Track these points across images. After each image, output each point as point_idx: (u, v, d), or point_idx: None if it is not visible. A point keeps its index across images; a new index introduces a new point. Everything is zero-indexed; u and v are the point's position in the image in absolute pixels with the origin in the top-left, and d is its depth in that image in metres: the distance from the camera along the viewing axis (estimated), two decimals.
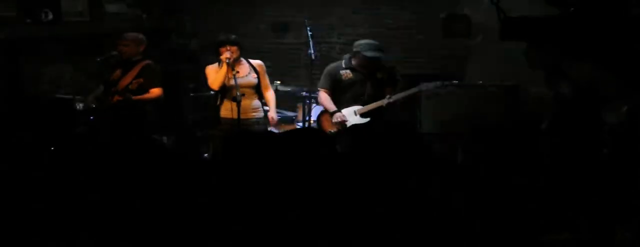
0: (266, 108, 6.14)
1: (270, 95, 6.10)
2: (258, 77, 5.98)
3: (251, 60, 6.05)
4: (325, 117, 6.32)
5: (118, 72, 6.06)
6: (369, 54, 6.05)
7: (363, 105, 6.17)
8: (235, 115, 5.75)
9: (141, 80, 5.83)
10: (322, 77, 6.29)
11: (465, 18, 7.93)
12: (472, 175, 3.58)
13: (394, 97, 6.15)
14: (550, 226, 2.88)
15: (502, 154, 3.71)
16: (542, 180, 3.45)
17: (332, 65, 6.34)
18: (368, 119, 6.12)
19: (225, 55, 5.79)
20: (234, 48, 5.85)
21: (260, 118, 6.02)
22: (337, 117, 6.13)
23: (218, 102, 5.95)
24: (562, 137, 5.86)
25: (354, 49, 6.14)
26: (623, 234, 2.85)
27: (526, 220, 2.96)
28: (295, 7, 8.13)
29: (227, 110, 5.90)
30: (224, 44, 5.85)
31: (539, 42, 7.40)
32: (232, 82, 5.77)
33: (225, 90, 5.90)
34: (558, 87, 6.96)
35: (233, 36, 5.94)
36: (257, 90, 6.00)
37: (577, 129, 5.72)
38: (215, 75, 5.87)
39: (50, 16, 6.49)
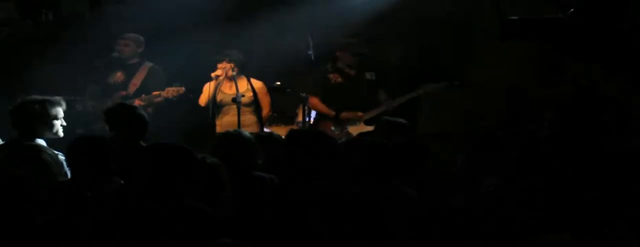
0: None
1: (266, 116, 6.14)
2: (254, 97, 5.97)
3: (253, 80, 6.06)
4: (325, 124, 6.13)
5: (119, 74, 6.07)
6: (360, 50, 5.94)
7: (357, 109, 6.02)
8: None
9: (181, 89, 5.81)
10: (311, 84, 6.18)
11: (465, 18, 7.93)
12: (472, 175, 3.58)
13: (398, 101, 6.01)
14: (551, 226, 2.88)
15: (502, 154, 3.71)
16: (543, 180, 3.45)
17: (319, 69, 6.21)
18: (372, 127, 5.89)
19: (216, 72, 5.83)
20: (229, 66, 5.84)
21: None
22: (348, 117, 5.95)
23: (209, 116, 5.95)
24: (562, 137, 5.85)
25: (338, 50, 6.02)
26: (621, 235, 2.85)
27: (526, 220, 2.96)
28: (295, 7, 8.11)
29: (221, 127, 5.93)
30: (220, 60, 5.86)
31: (539, 42, 7.41)
32: (220, 97, 5.82)
33: (217, 106, 5.93)
34: (558, 87, 6.96)
35: (233, 53, 5.90)
36: (254, 109, 6.00)
37: (577, 129, 5.72)
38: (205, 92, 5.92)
39: (50, 17, 6.50)
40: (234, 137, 3.77)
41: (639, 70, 6.63)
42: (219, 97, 5.94)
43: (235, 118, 5.83)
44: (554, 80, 7.05)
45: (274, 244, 2.89)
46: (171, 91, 5.79)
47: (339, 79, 6.02)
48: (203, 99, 6.01)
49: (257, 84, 6.10)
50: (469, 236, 2.93)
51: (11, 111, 4.04)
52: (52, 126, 4.09)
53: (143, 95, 5.88)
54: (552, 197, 3.14)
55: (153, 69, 6.08)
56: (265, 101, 6.14)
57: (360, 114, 5.98)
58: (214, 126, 5.99)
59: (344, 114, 5.98)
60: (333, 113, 6.01)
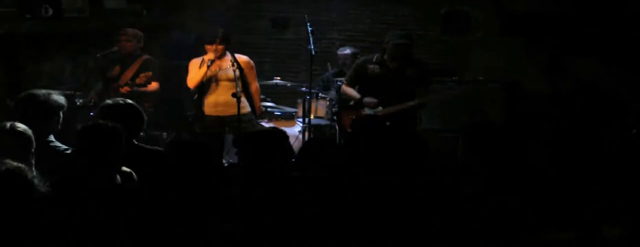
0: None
1: (255, 89, 6.01)
2: (241, 72, 5.88)
3: (238, 55, 5.95)
4: (345, 115, 6.10)
5: (118, 68, 6.09)
6: (396, 40, 5.82)
7: (382, 104, 5.92)
8: (219, 113, 5.79)
9: (149, 73, 5.80)
10: (350, 71, 6.19)
11: (465, 14, 7.94)
12: (472, 172, 3.58)
13: (421, 100, 5.91)
14: (553, 225, 2.89)
15: (502, 151, 3.71)
16: (543, 177, 3.45)
17: (363, 58, 6.14)
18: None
19: (209, 56, 5.74)
20: (221, 47, 5.77)
21: (244, 114, 5.87)
22: (368, 103, 5.92)
23: (195, 97, 5.92)
24: (562, 133, 5.86)
25: (386, 40, 5.92)
26: (612, 231, 2.85)
27: (527, 219, 2.96)
28: (296, 2, 8.12)
29: (210, 107, 5.88)
30: (211, 42, 5.76)
31: (538, 38, 7.42)
32: (208, 74, 5.78)
33: (204, 86, 5.87)
34: (557, 83, 6.97)
35: (220, 33, 5.84)
36: (241, 86, 5.93)
37: (576, 125, 5.73)
38: (195, 71, 5.81)
39: (50, 12, 6.48)
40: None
41: (639, 65, 6.65)
42: (217, 74, 5.86)
43: (223, 97, 5.78)
44: (554, 76, 7.06)
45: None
46: (142, 77, 5.78)
47: (377, 70, 5.96)
48: (193, 82, 5.87)
49: (242, 58, 5.96)
50: (470, 233, 2.93)
51: (18, 107, 4.02)
52: (59, 120, 4.09)
53: (130, 83, 5.88)
54: (552, 194, 3.15)
55: (147, 60, 6.07)
56: (251, 76, 5.98)
57: (378, 105, 5.93)
58: (200, 106, 5.94)
59: (367, 100, 5.93)
60: (358, 96, 5.98)
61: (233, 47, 5.98)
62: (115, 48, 6.09)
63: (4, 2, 6.24)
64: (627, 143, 5.34)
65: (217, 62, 5.80)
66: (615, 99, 6.33)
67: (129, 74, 6.00)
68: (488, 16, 7.80)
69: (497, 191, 3.24)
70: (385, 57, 5.91)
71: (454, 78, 7.16)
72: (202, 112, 5.90)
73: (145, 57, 6.10)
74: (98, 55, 6.14)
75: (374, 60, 5.97)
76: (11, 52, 6.48)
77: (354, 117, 5.96)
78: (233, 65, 5.72)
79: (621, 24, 6.83)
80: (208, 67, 5.71)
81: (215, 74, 5.79)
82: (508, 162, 3.59)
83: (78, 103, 6.12)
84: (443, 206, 3.01)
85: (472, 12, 7.92)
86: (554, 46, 7.32)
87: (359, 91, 6.05)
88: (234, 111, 5.73)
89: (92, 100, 6.07)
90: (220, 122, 5.87)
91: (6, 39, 6.32)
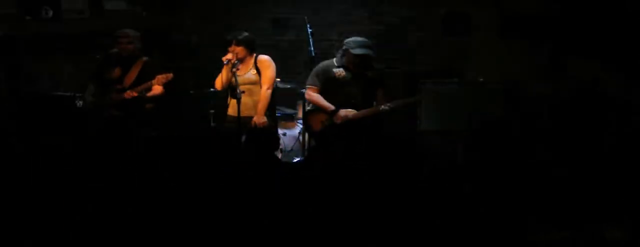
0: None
1: (263, 93, 5.91)
2: (259, 75, 5.89)
3: (260, 57, 5.97)
4: (315, 117, 6.06)
5: (117, 69, 6.06)
6: (356, 51, 5.79)
7: (355, 107, 5.95)
8: (236, 113, 5.77)
9: (169, 75, 5.78)
10: (313, 75, 6.00)
11: (465, 15, 7.93)
12: (472, 173, 3.58)
13: (393, 105, 5.91)
14: (553, 225, 2.89)
15: (502, 151, 3.72)
16: (542, 178, 3.45)
17: (325, 63, 6.04)
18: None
19: (227, 56, 5.75)
20: (240, 49, 5.79)
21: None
22: (339, 117, 5.89)
23: (228, 101, 5.95)
24: (562, 134, 5.86)
25: (344, 47, 5.92)
26: (614, 233, 2.85)
27: (525, 218, 2.96)
28: (296, 3, 8.12)
29: (231, 107, 5.89)
30: (229, 43, 5.80)
31: (539, 39, 7.42)
32: (233, 80, 5.76)
33: (229, 89, 5.89)
34: (558, 84, 6.97)
35: (241, 36, 5.86)
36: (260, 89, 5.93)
37: (577, 126, 5.73)
38: (221, 74, 5.87)
39: (50, 13, 6.49)
40: None
41: (639, 66, 6.65)
42: (239, 79, 5.84)
43: (249, 99, 5.82)
44: (554, 77, 7.06)
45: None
46: (160, 78, 5.76)
47: (343, 75, 5.94)
48: (218, 83, 5.91)
49: (261, 58, 5.96)
50: (470, 233, 2.93)
51: None
52: None
53: (137, 88, 5.87)
54: (552, 194, 3.15)
55: (148, 62, 6.06)
56: (265, 76, 5.93)
57: (353, 111, 5.92)
58: (226, 106, 5.96)
59: (343, 111, 5.90)
60: (333, 108, 5.93)
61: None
62: (115, 50, 6.08)
63: (4, 3, 6.25)
64: (627, 143, 5.35)
65: (241, 66, 5.83)
66: (615, 99, 6.32)
67: (131, 75, 5.98)
68: (488, 17, 7.80)
69: (497, 191, 3.24)
70: (345, 61, 5.89)
71: (454, 79, 7.15)
72: (226, 112, 5.95)
73: (145, 58, 6.08)
74: (97, 56, 6.14)
75: (336, 64, 5.95)
76: (11, 53, 6.50)
77: (324, 120, 5.94)
78: (233, 66, 5.75)
79: (621, 24, 6.82)
80: (227, 65, 5.75)
81: (239, 77, 5.80)
82: (508, 162, 3.59)
83: (78, 105, 6.13)
84: (443, 206, 3.01)
85: (472, 12, 7.91)
86: (554, 47, 7.33)
87: (323, 95, 6.01)
88: (250, 113, 5.78)
89: (90, 101, 6.07)
90: (238, 122, 5.87)
91: (6, 40, 6.34)
